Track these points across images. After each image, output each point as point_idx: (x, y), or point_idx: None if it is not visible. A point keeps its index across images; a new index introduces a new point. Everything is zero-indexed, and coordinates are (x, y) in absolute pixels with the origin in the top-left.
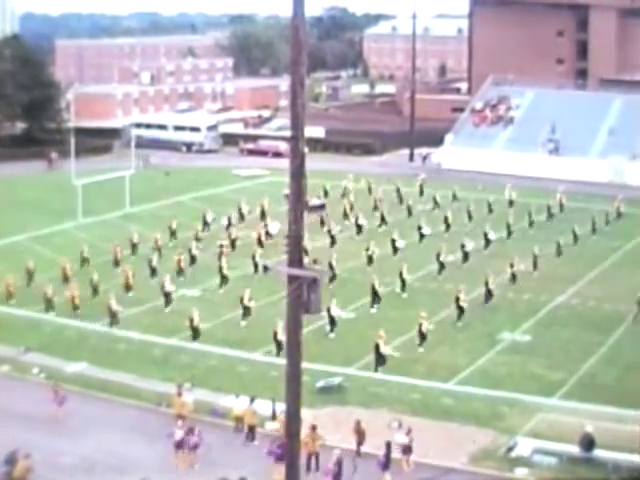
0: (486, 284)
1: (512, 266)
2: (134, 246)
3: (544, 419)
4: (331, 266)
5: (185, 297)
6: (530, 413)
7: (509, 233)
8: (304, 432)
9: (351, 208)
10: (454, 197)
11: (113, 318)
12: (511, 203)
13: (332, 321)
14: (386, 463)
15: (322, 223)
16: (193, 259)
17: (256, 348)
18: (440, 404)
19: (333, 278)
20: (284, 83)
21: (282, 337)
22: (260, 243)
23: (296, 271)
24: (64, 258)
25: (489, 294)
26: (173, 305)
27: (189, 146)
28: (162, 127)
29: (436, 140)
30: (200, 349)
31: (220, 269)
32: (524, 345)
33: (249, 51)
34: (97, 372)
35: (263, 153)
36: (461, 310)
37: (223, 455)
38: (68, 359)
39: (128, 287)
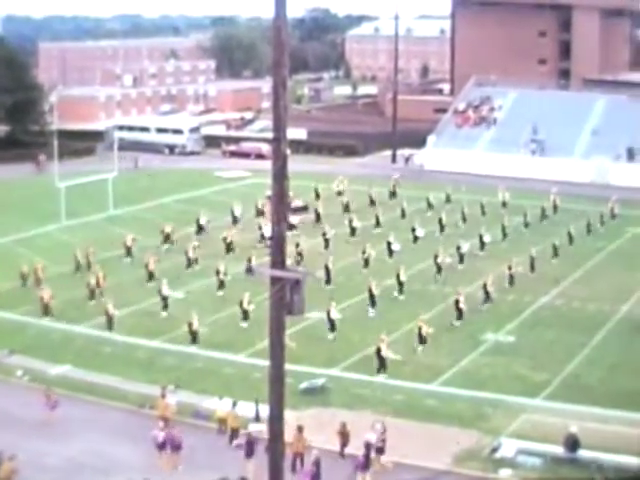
0: (484, 286)
1: (510, 268)
2: (128, 249)
3: (528, 420)
4: (327, 269)
5: (169, 299)
6: (514, 414)
7: (504, 235)
8: (291, 433)
9: (345, 210)
10: (447, 199)
11: (109, 322)
12: (504, 204)
13: (332, 324)
14: (365, 464)
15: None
16: (189, 262)
17: (241, 350)
18: (424, 405)
19: (329, 281)
20: (266, 85)
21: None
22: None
23: (279, 272)
24: (40, 260)
25: (487, 296)
26: (159, 307)
27: (172, 148)
28: (145, 129)
29: (419, 141)
30: (185, 351)
31: (217, 272)
32: (508, 346)
33: (231, 53)
34: (82, 374)
35: (245, 155)
36: (460, 312)
37: (206, 457)
38: (52, 361)
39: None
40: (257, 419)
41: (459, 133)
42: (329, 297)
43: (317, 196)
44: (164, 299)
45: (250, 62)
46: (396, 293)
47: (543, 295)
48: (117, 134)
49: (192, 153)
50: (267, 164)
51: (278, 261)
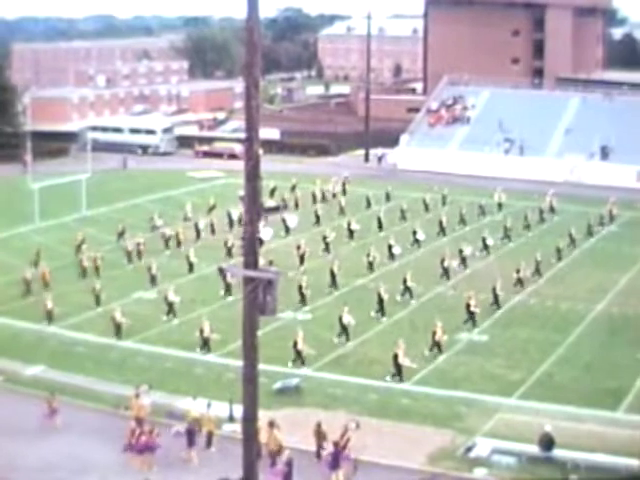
0: (493, 290)
1: (518, 271)
2: (129, 254)
3: (503, 419)
4: (332, 273)
5: (142, 299)
6: (488, 413)
7: (507, 237)
8: (263, 429)
9: (340, 212)
10: (443, 201)
11: (117, 329)
12: (500, 206)
13: (344, 329)
14: (335, 463)
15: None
16: (191, 266)
17: (213, 350)
18: (398, 404)
19: (334, 284)
20: (239, 85)
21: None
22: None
23: (252, 273)
24: (21, 261)
25: (496, 299)
26: (122, 310)
27: (145, 149)
28: (118, 130)
29: (391, 141)
30: (156, 352)
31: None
32: (482, 345)
33: (204, 53)
34: (56, 375)
35: (218, 155)
36: (472, 315)
37: (181, 457)
38: (27, 362)
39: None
40: (231, 419)
41: (432, 132)
42: (342, 302)
43: (314, 198)
44: (169, 305)
45: (222, 62)
46: (399, 297)
47: (517, 294)
48: (90, 135)
49: (165, 154)
50: (240, 164)
51: (251, 261)
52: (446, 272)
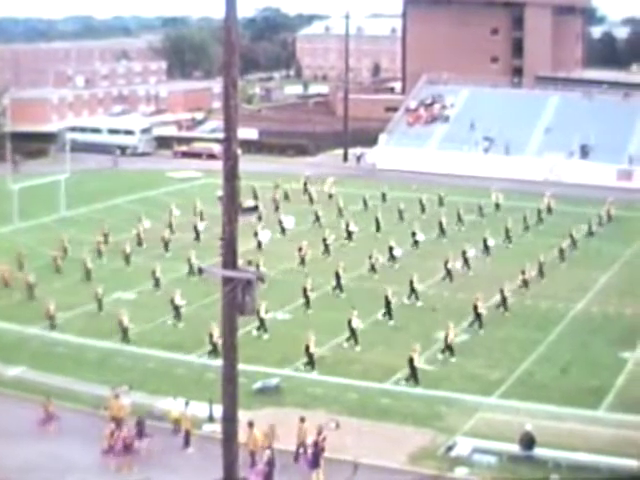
0: (501, 291)
1: (523, 273)
2: (127, 256)
3: (483, 418)
4: (338, 275)
5: (120, 300)
6: (469, 412)
7: (508, 238)
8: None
9: (339, 213)
10: (440, 202)
11: (124, 334)
12: (497, 206)
13: (353, 333)
14: (314, 462)
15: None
16: (191, 268)
17: (192, 350)
18: (378, 404)
19: (338, 287)
20: (217, 85)
21: (218, 340)
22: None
23: (230, 273)
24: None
25: (504, 301)
26: (107, 310)
27: (123, 149)
28: (96, 131)
29: (370, 140)
30: (136, 352)
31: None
32: (461, 345)
33: (182, 53)
34: (36, 376)
35: (197, 155)
36: (479, 317)
37: (161, 457)
38: (8, 363)
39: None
40: (211, 419)
41: (411, 131)
42: (351, 306)
43: (311, 200)
44: (176, 309)
45: (201, 62)
46: (406, 299)
47: (496, 293)
48: (69, 135)
49: (143, 154)
50: (218, 164)
51: (230, 261)
52: (449, 274)
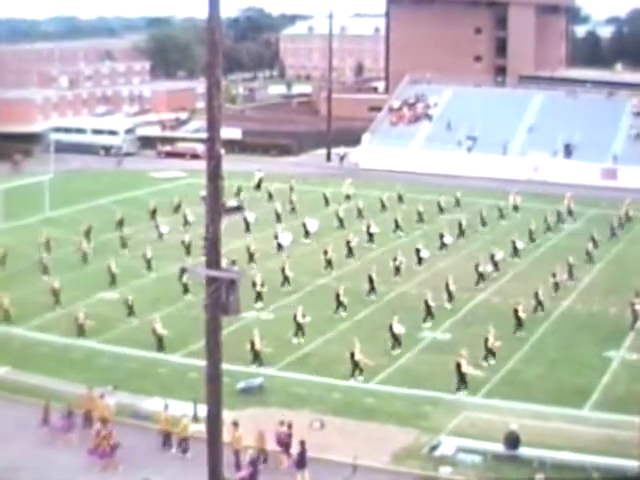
0: (536, 295)
1: (554, 276)
2: (149, 263)
3: (468, 417)
4: (371, 279)
5: (104, 300)
6: (453, 411)
7: (532, 239)
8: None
9: (359, 214)
10: (457, 202)
11: (160, 342)
12: (516, 208)
13: (395, 339)
14: (300, 462)
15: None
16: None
17: (175, 350)
18: (362, 404)
19: (373, 290)
20: (201, 85)
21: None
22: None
23: (214, 272)
24: None
25: (539, 304)
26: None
27: (107, 149)
28: (80, 131)
29: (353, 140)
30: (120, 352)
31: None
32: (445, 343)
33: (166, 54)
34: (21, 376)
35: (180, 155)
36: (519, 321)
37: (146, 457)
38: None
39: None
40: (195, 419)
41: (394, 131)
42: (392, 311)
43: (326, 201)
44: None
45: (184, 63)
46: (447, 304)
47: (480, 292)
48: (53, 136)
49: (127, 154)
50: (202, 164)
51: (213, 261)
52: (481, 277)
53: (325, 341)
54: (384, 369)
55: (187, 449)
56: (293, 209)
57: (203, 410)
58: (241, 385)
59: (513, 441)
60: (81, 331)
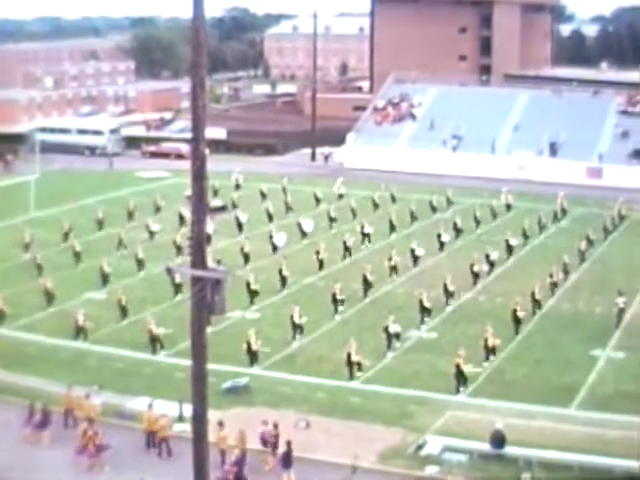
0: (532, 294)
1: (551, 276)
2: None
3: (453, 416)
4: (366, 279)
5: (92, 300)
6: (439, 411)
7: (525, 238)
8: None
9: (353, 215)
10: (448, 202)
11: (154, 343)
12: (508, 207)
13: (389, 339)
14: (286, 461)
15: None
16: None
17: (161, 349)
18: (347, 403)
19: (368, 289)
20: (185, 85)
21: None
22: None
23: (199, 272)
24: None
25: (537, 304)
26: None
27: (92, 150)
28: (65, 131)
29: (338, 139)
30: (106, 352)
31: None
32: (431, 342)
33: (150, 53)
34: (7, 376)
35: (165, 155)
36: (518, 321)
37: (132, 457)
38: None
39: None
40: (180, 419)
41: (379, 130)
42: (387, 311)
43: (318, 201)
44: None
45: (169, 62)
46: (446, 304)
47: (466, 291)
48: (39, 136)
49: (112, 154)
50: (187, 164)
51: (199, 261)
52: (476, 277)
53: (311, 340)
54: (370, 369)
55: (169, 449)
56: (289, 209)
57: (189, 410)
58: (227, 385)
59: (499, 440)
60: (81, 333)
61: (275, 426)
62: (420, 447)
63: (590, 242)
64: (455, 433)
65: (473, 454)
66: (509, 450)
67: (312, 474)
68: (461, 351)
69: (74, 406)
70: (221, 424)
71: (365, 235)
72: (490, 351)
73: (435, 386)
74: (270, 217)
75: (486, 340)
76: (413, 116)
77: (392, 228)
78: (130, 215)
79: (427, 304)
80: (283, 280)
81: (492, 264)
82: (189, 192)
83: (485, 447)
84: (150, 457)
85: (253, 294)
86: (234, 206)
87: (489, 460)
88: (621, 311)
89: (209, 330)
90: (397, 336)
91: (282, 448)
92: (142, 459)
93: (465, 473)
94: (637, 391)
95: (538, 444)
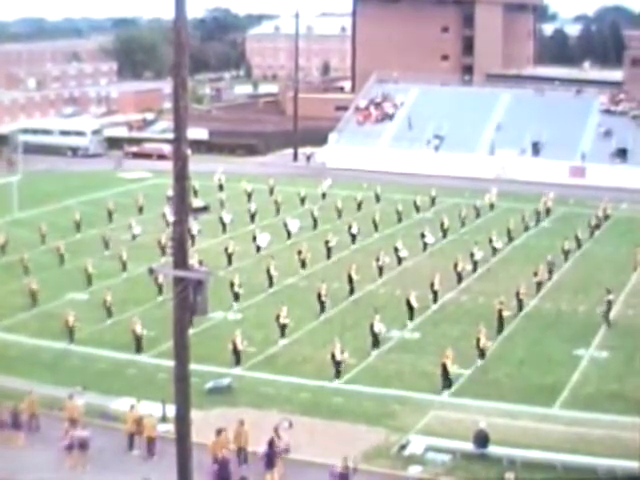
0: (517, 294)
1: (536, 274)
2: (124, 264)
3: (436, 416)
4: (350, 278)
5: (74, 300)
6: (422, 410)
7: (510, 238)
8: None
9: (338, 215)
10: (432, 201)
11: (138, 342)
12: (492, 207)
13: (375, 338)
14: (269, 461)
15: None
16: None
17: (144, 350)
18: (330, 403)
19: (352, 291)
20: (167, 86)
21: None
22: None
23: (181, 273)
24: None
25: (520, 304)
26: (59, 311)
27: (75, 150)
28: (48, 132)
29: (320, 139)
30: (89, 352)
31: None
32: (413, 342)
33: (133, 54)
34: None
35: (147, 156)
36: (502, 321)
37: (114, 457)
38: None
39: None
40: (164, 419)
41: (361, 130)
42: (374, 310)
43: (302, 201)
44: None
45: (151, 63)
46: (433, 305)
47: (448, 291)
48: (21, 137)
49: (94, 155)
50: (169, 164)
51: (181, 261)
52: (459, 276)
53: (293, 341)
54: (352, 368)
55: (152, 450)
56: (278, 209)
57: (172, 410)
58: (209, 385)
59: (482, 440)
60: (72, 334)
61: (276, 429)
62: (403, 447)
63: (578, 241)
64: (438, 433)
65: (456, 454)
66: (492, 450)
67: (295, 474)
68: (449, 351)
69: (35, 409)
70: (220, 432)
71: (354, 236)
72: (482, 352)
73: (418, 386)
74: (253, 217)
75: (478, 340)
76: (395, 116)
77: (375, 228)
78: (110, 215)
79: (415, 304)
80: (270, 280)
81: (476, 264)
82: (171, 192)
83: (468, 447)
84: (132, 457)
85: (236, 295)
86: (222, 206)
87: (472, 460)
88: (609, 309)
89: (191, 331)
90: (377, 335)
91: (263, 448)
92: (125, 459)
93: (448, 473)
94: (620, 390)
95: (522, 444)
